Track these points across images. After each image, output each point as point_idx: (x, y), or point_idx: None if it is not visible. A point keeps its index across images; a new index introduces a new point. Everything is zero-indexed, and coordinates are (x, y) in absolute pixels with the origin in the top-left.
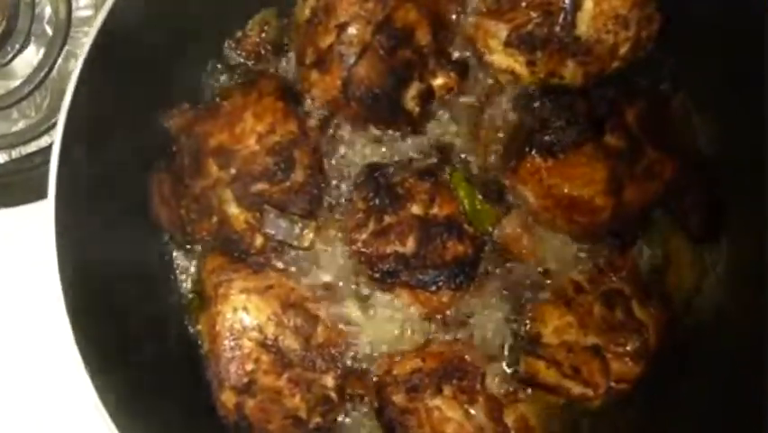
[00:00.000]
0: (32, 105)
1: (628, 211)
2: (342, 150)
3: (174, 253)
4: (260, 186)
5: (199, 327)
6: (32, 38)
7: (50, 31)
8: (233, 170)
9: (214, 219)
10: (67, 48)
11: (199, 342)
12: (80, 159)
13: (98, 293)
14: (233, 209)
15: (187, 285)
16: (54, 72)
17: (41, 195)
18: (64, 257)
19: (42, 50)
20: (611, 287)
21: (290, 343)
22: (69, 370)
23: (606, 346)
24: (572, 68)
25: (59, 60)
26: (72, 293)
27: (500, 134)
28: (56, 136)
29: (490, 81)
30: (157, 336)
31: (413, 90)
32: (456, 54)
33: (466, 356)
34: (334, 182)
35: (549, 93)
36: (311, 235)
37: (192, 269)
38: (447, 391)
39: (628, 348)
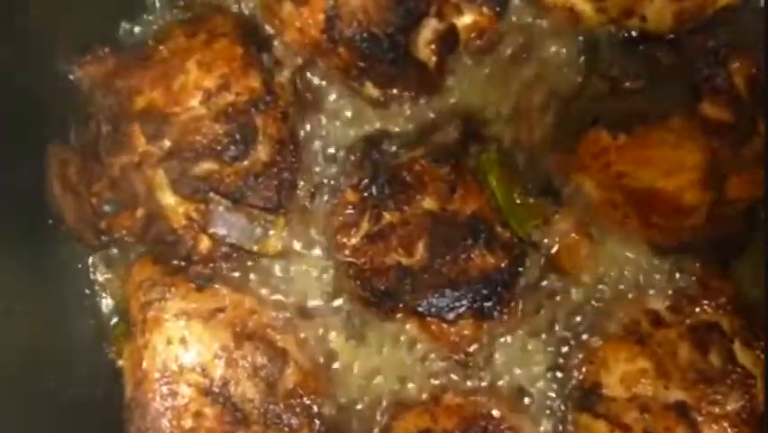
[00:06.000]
0: None
1: (731, 212)
2: (324, 117)
3: (91, 260)
4: (207, 166)
5: (122, 362)
6: None
7: None
8: (167, 143)
9: (140, 212)
10: None
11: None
12: None
13: None
14: (168, 198)
15: (108, 303)
16: None
17: None
18: None
19: None
20: (704, 319)
21: (246, 390)
22: None
23: (696, 405)
24: (659, 4)
25: None
26: None
27: (551, 100)
28: None
29: (539, 22)
30: (62, 375)
31: (427, 32)
32: None
33: (493, 411)
34: (316, 160)
35: (624, 41)
36: (278, 238)
37: (116, 282)
38: None
39: (728, 408)
